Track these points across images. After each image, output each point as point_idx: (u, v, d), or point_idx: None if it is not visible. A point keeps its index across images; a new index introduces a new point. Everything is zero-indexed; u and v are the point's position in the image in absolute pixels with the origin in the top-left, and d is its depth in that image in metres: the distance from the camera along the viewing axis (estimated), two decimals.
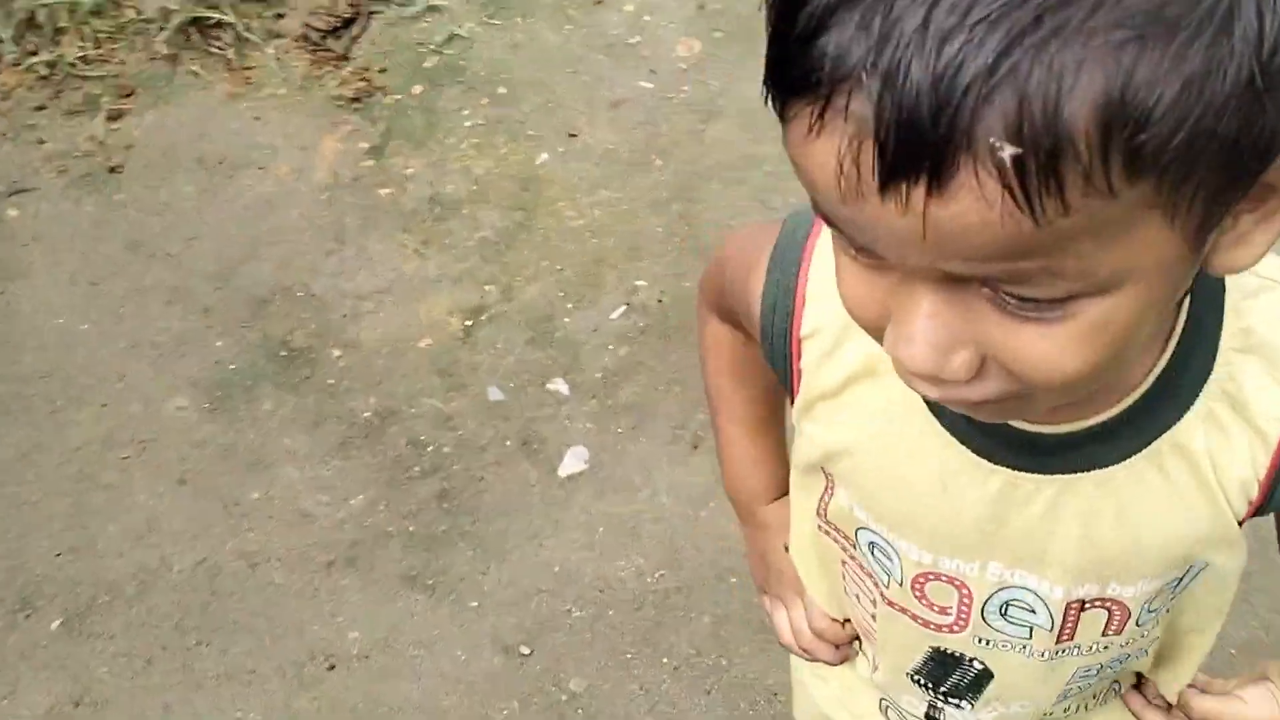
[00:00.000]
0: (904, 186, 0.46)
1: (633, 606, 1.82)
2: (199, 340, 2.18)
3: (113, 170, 2.44)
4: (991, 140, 0.44)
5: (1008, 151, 0.44)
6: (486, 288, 2.22)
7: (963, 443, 0.72)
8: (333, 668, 1.78)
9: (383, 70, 2.57)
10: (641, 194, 2.31)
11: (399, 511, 1.95)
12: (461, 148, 2.43)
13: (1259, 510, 0.73)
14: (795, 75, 0.48)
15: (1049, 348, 0.53)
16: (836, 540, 0.86)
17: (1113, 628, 0.79)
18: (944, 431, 0.72)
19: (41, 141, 2.49)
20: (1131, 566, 0.74)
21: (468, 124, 2.46)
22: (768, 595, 1.05)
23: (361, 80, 2.56)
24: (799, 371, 0.78)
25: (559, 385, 2.09)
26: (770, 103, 0.51)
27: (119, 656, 1.80)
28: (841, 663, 1.02)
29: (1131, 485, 0.70)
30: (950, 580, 0.79)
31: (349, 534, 1.93)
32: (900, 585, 0.81)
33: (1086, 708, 0.93)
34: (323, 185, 2.39)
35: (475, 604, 1.85)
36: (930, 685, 0.90)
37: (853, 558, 0.86)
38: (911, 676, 0.90)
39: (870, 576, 0.85)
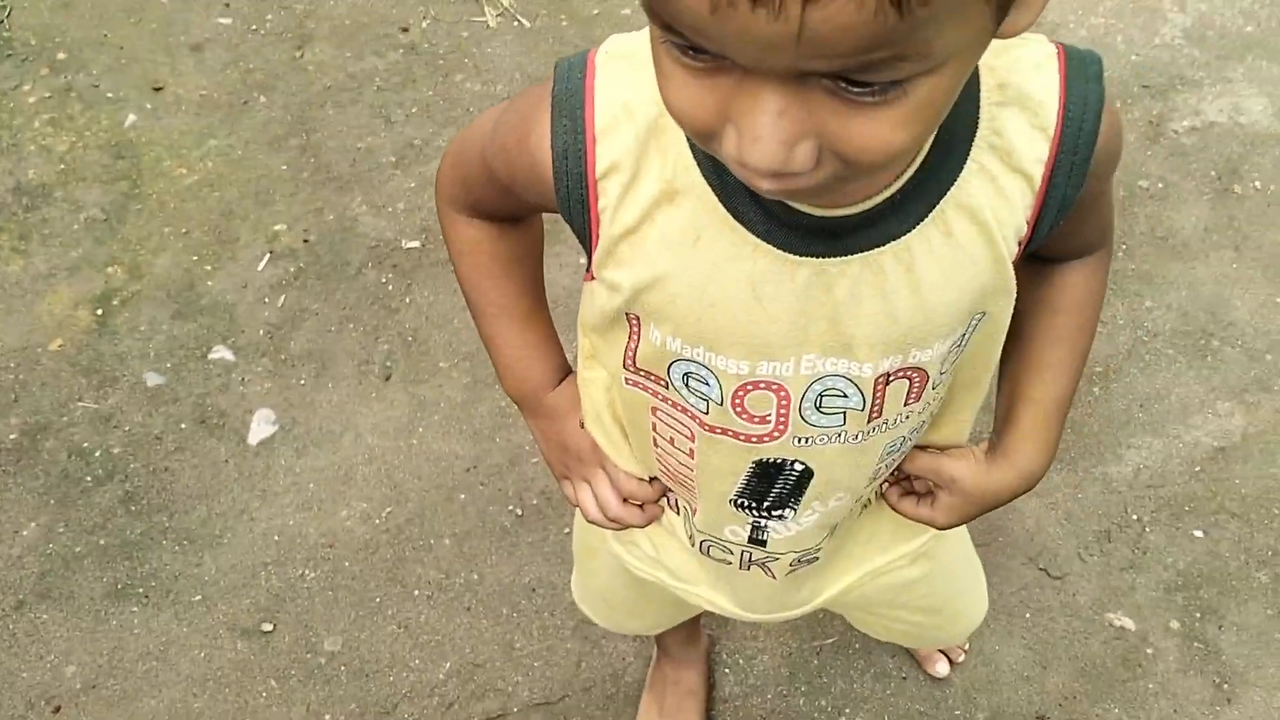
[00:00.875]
0: None
1: (368, 551, 1.75)
2: None
3: None
4: None
5: None
6: (109, 269, 2.02)
7: (768, 242, 0.73)
8: (58, 709, 1.61)
9: None
10: (254, 135, 2.17)
11: (82, 528, 1.76)
12: (34, 127, 2.17)
13: (1025, 248, 0.79)
14: None
15: (881, 129, 0.56)
16: (646, 387, 0.86)
17: (913, 396, 0.84)
18: (751, 237, 0.73)
19: None
20: (929, 330, 0.78)
21: (32, 100, 2.21)
22: (569, 479, 1.04)
23: None
24: (597, 216, 0.76)
25: (222, 352, 1.95)
26: None
27: None
28: (650, 524, 1.03)
29: (923, 251, 0.74)
30: (768, 385, 0.80)
31: (32, 567, 1.73)
32: (720, 405, 0.82)
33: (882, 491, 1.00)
34: None
35: (199, 598, 1.71)
36: (754, 504, 0.92)
37: (665, 399, 0.86)
38: (734, 502, 0.92)
39: (685, 411, 0.85)
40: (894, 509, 1.01)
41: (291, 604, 1.71)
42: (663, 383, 0.84)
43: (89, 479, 1.81)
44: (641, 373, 0.85)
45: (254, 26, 2.31)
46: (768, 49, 0.51)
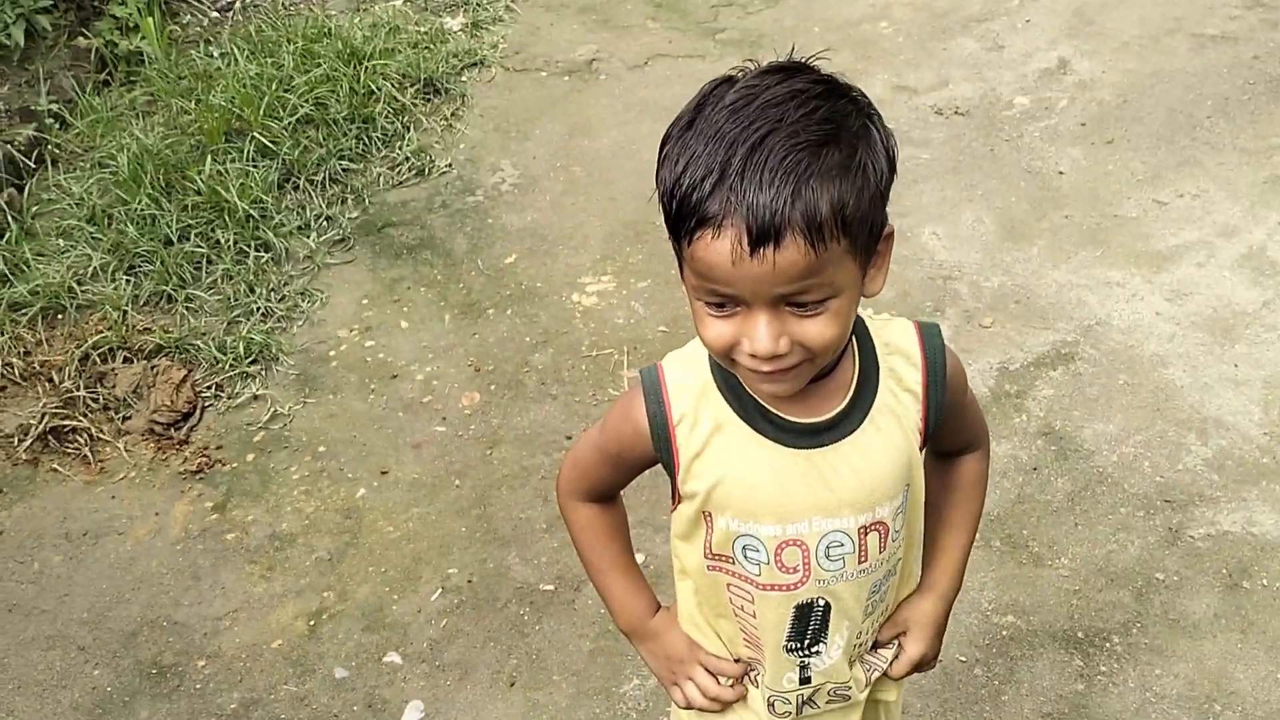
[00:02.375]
0: (762, 250, 1.08)
1: None
2: (79, 673, 2.54)
3: None
4: (797, 225, 1.08)
5: (804, 228, 1.09)
6: (324, 594, 2.69)
7: (777, 443, 1.29)
8: None
9: (219, 447, 3.11)
10: (447, 506, 2.87)
11: None
12: (293, 495, 2.96)
13: (925, 440, 1.36)
14: (699, 219, 1.10)
15: (818, 327, 1.15)
16: (721, 568, 1.39)
17: (882, 545, 1.36)
18: (769, 442, 1.30)
19: None
20: (882, 492, 1.33)
21: (295, 477, 3.01)
22: (676, 684, 1.52)
23: (202, 457, 3.09)
24: (678, 450, 1.34)
25: (393, 657, 2.54)
26: (680, 235, 1.14)
27: None
28: (739, 698, 1.51)
29: (867, 441, 1.31)
30: (795, 542, 1.33)
31: None
32: (767, 563, 1.35)
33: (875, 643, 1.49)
34: (177, 539, 2.85)
35: None
36: (799, 645, 1.41)
37: (733, 574, 1.38)
38: (786, 647, 1.41)
39: (746, 580, 1.37)
40: (893, 676, 1.51)
41: None
42: (730, 560, 1.37)
43: None
44: (717, 557, 1.38)
45: (460, 433, 3.09)
46: (758, 283, 1.11)
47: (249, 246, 3.67)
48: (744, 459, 1.31)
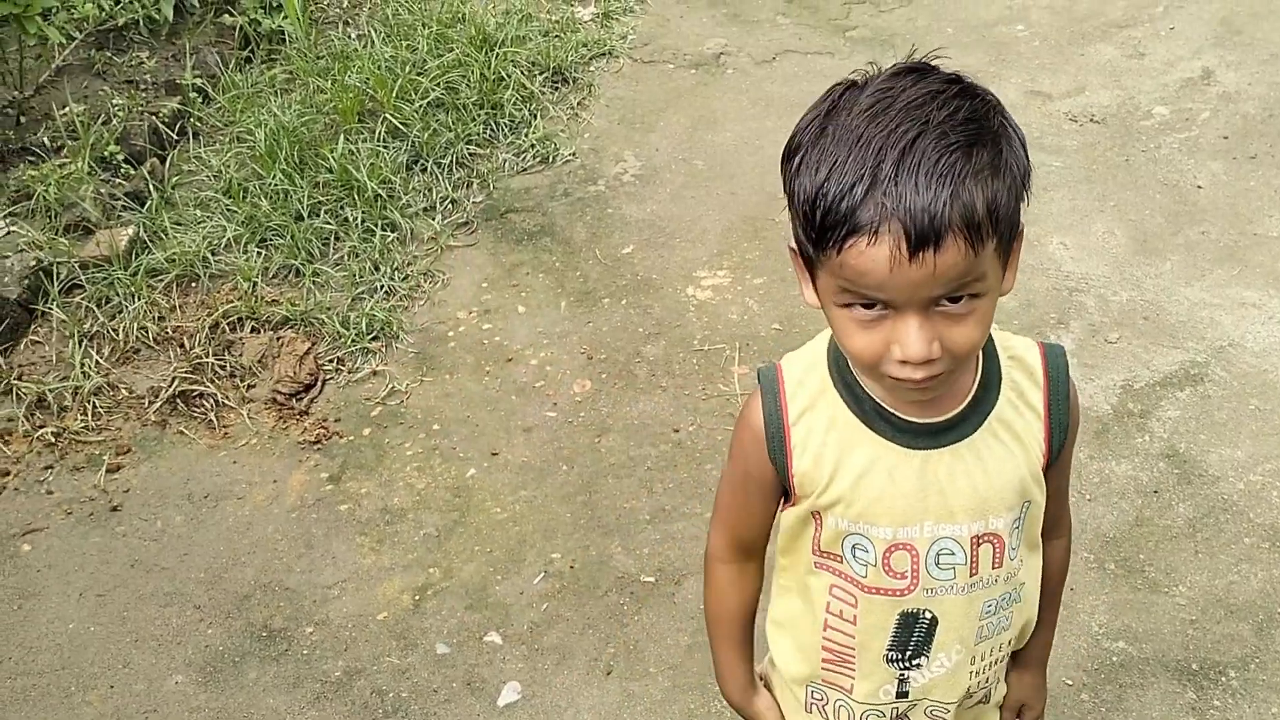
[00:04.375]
0: (922, 254, 1.07)
1: None
2: (193, 630, 2.64)
3: (114, 509, 2.95)
4: (957, 225, 1.07)
5: (963, 229, 1.08)
6: (430, 570, 2.74)
7: (893, 443, 1.28)
8: None
9: (338, 420, 3.19)
10: (554, 491, 2.90)
11: None
12: (405, 471, 3.02)
13: (1049, 461, 1.33)
14: (850, 228, 1.08)
15: (968, 330, 1.14)
16: (828, 566, 1.38)
17: (996, 561, 1.34)
18: (884, 440, 1.28)
19: (50, 492, 3.01)
20: (998, 502, 1.30)
21: (409, 453, 3.07)
22: None
23: (321, 429, 3.17)
24: (791, 449, 1.32)
25: (494, 637, 2.57)
26: (828, 245, 1.11)
27: None
28: None
29: (985, 447, 1.29)
30: (905, 546, 1.32)
31: None
32: (875, 566, 1.33)
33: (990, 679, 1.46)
34: (292, 507, 2.94)
35: None
36: (899, 655, 1.39)
37: (840, 574, 1.37)
38: (886, 657, 1.39)
39: (852, 581, 1.36)
40: None
41: None
42: (838, 558, 1.36)
43: (380, 712, 2.43)
44: (824, 554, 1.37)
45: (570, 420, 3.12)
46: (917, 287, 1.09)
47: (376, 225, 3.75)
48: (859, 456, 1.29)
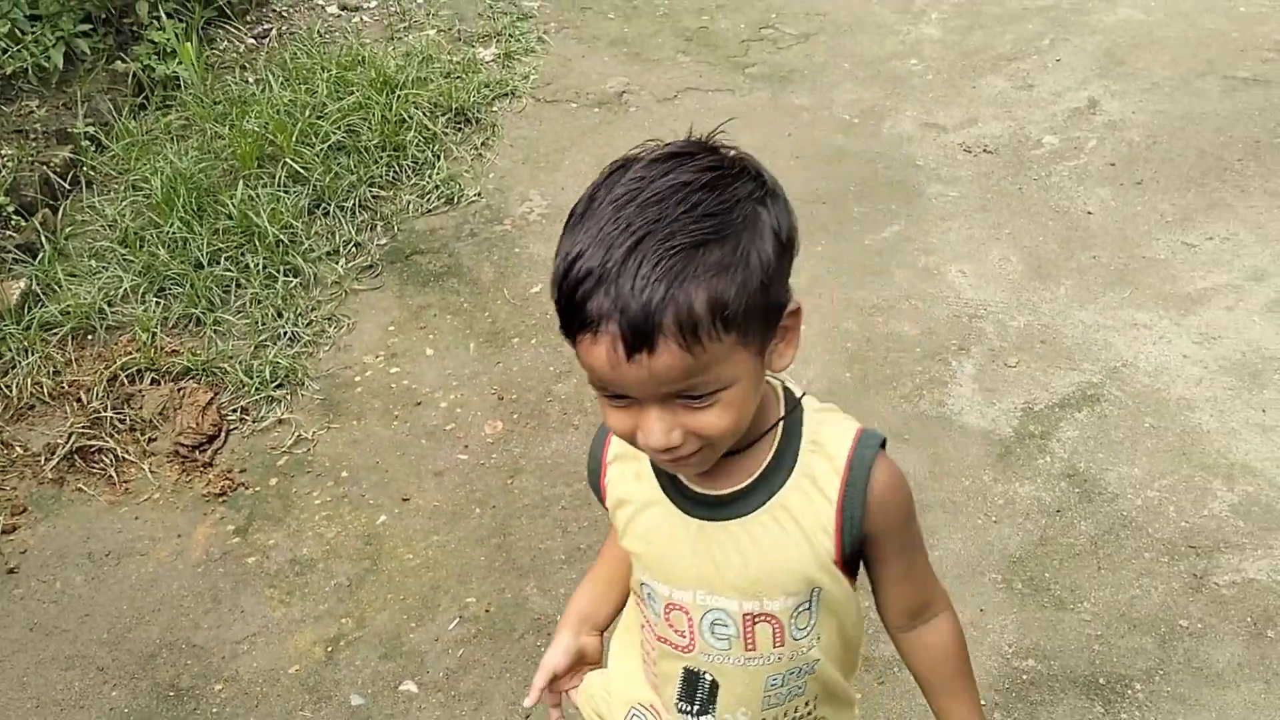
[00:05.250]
0: (637, 356, 1.06)
1: None
2: (96, 693, 2.55)
3: (11, 571, 2.86)
4: (670, 329, 1.05)
5: (677, 333, 1.06)
6: (343, 620, 2.69)
7: (677, 506, 1.30)
8: None
9: (243, 470, 3.13)
10: (467, 535, 2.88)
11: None
12: (314, 520, 2.96)
13: (844, 554, 1.29)
14: (580, 322, 1.08)
15: (713, 419, 1.14)
16: (639, 600, 1.39)
17: (778, 640, 1.33)
18: (670, 503, 1.30)
19: None
20: (772, 584, 1.29)
21: (317, 502, 3.02)
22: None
23: (225, 480, 3.10)
24: (605, 486, 1.38)
25: (409, 685, 2.53)
26: (567, 334, 1.11)
27: None
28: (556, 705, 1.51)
29: (761, 528, 1.28)
30: (680, 607, 1.33)
31: None
32: (659, 618, 1.35)
33: None
34: (198, 561, 2.87)
35: None
36: (688, 706, 1.39)
37: (643, 612, 1.38)
38: (677, 706, 1.40)
39: (649, 624, 1.38)
40: None
41: None
42: (640, 599, 1.38)
43: None
44: (638, 587, 1.39)
45: (482, 462, 3.09)
46: (642, 385, 1.10)
47: (278, 271, 3.70)
48: (651, 514, 1.32)
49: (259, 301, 3.62)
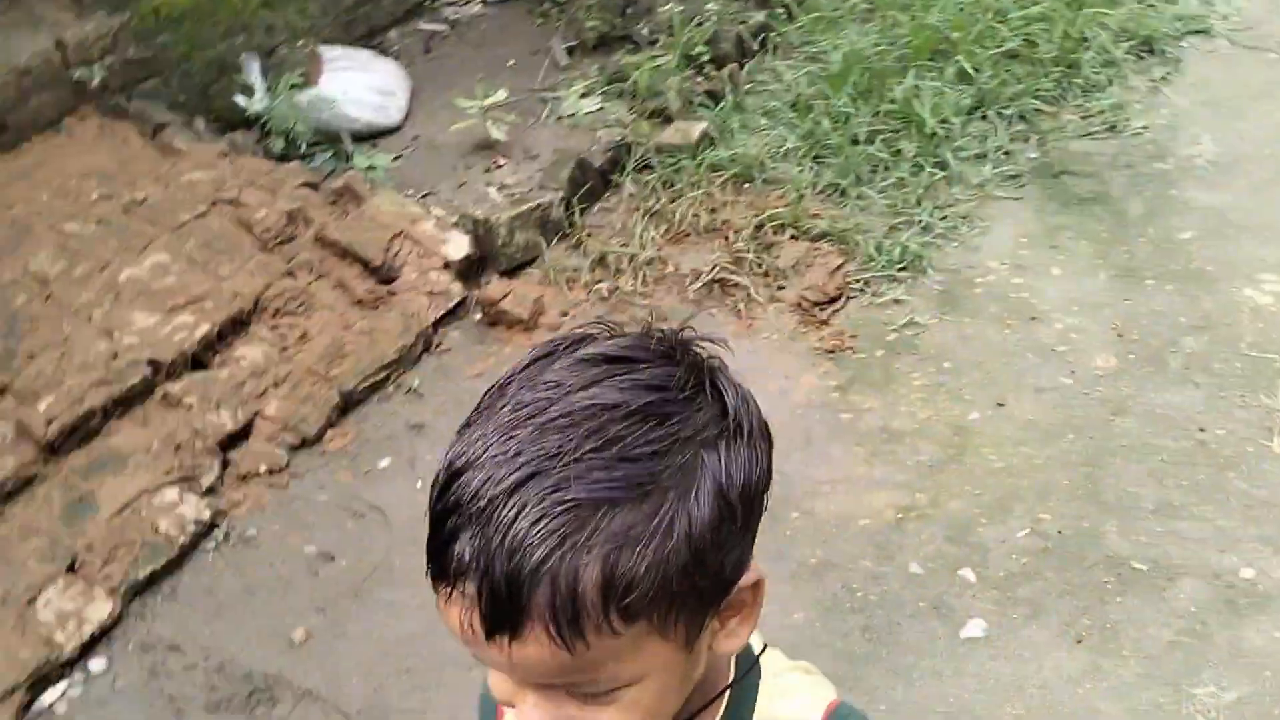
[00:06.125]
0: (497, 638, 0.79)
1: None
2: None
3: None
4: (541, 613, 0.77)
5: (549, 621, 0.77)
6: (918, 495, 2.82)
7: None
8: None
9: (854, 336, 3.33)
10: (1055, 455, 2.88)
11: (831, 631, 2.50)
12: (910, 398, 3.10)
13: None
14: (437, 566, 0.81)
15: (609, 717, 0.84)
16: None
17: None
18: None
19: None
20: None
21: (916, 383, 3.15)
22: None
23: (837, 340, 3.32)
24: None
25: (968, 573, 2.62)
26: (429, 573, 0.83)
27: None
28: None
29: None
30: None
31: (787, 635, 2.49)
32: None
33: None
34: (799, 404, 3.12)
35: (883, 708, 2.34)
36: None
37: None
38: None
39: None
40: None
41: None
42: None
43: (848, 606, 2.56)
44: None
45: (1086, 391, 3.05)
46: (505, 669, 0.82)
47: (926, 162, 3.82)
48: None
49: (902, 186, 3.77)
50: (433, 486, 0.83)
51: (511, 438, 0.80)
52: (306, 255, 3.41)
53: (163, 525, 2.79)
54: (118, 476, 2.86)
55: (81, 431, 2.92)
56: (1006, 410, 3.03)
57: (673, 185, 3.85)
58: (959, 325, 3.31)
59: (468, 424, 0.85)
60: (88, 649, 2.61)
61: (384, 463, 2.99)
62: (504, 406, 0.83)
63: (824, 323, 3.40)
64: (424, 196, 3.80)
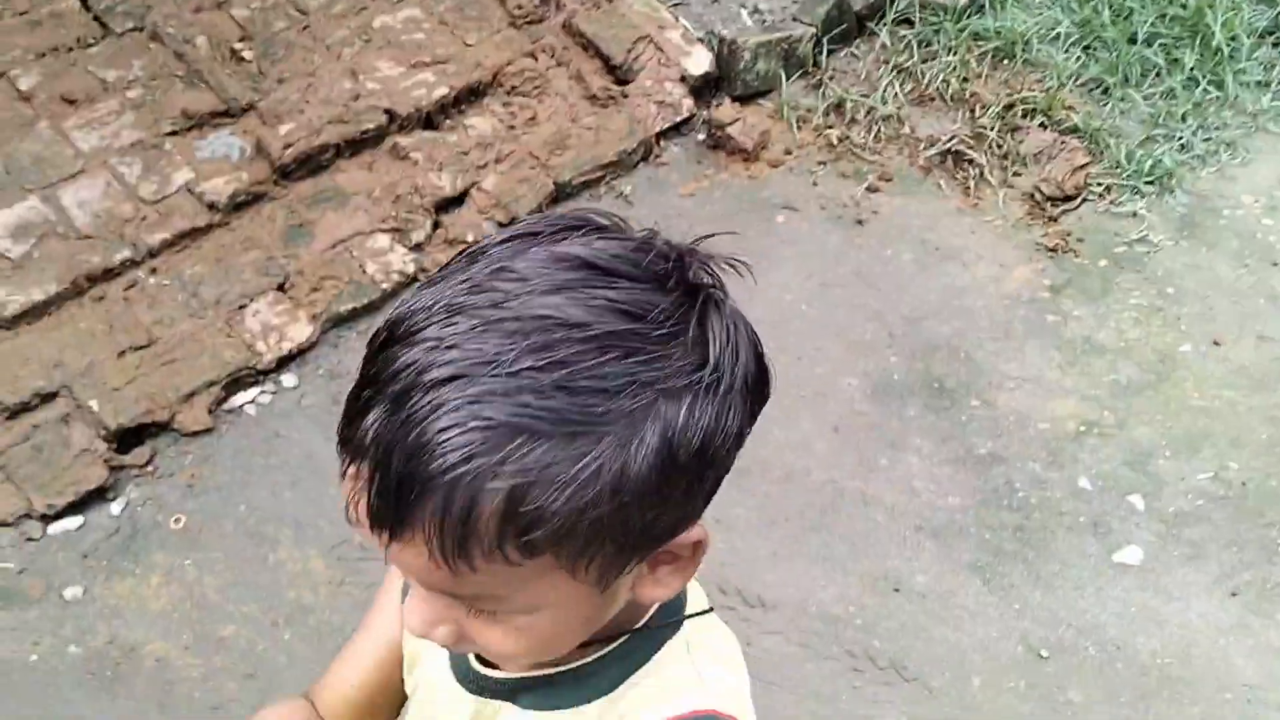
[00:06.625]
0: (379, 532, 0.73)
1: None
2: (882, 348, 2.86)
3: (859, 222, 3.22)
4: (425, 525, 0.70)
5: (433, 534, 0.71)
6: (1105, 412, 2.74)
7: (456, 677, 0.95)
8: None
9: (1080, 240, 3.19)
10: (1259, 407, 2.75)
11: (982, 522, 2.49)
12: (1122, 315, 2.98)
13: None
14: (346, 429, 0.74)
15: (494, 636, 0.79)
16: None
17: None
18: (449, 672, 0.96)
19: (815, 184, 3.33)
20: None
21: (1133, 301, 3.02)
22: None
23: (1062, 240, 3.19)
24: None
25: (1136, 500, 2.55)
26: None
27: None
28: None
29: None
30: None
31: (939, 516, 2.49)
32: None
33: None
34: (1007, 295, 3.03)
35: (1017, 607, 2.33)
36: None
37: None
38: None
39: None
40: None
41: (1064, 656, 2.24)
42: None
43: (1005, 503, 2.53)
44: None
45: None
46: (393, 560, 0.75)
47: (1202, 77, 3.56)
48: (428, 676, 1.00)
49: (1170, 97, 3.54)
50: (374, 336, 0.76)
51: (453, 323, 0.72)
52: (551, 40, 3.42)
53: (370, 268, 2.93)
54: (337, 213, 2.99)
55: (313, 163, 3.05)
56: (1221, 350, 2.89)
57: (929, 45, 3.70)
58: (1193, 253, 3.14)
59: (429, 281, 0.77)
60: (283, 364, 2.79)
61: None
62: (464, 280, 0.75)
63: (1053, 219, 3.27)
64: (675, 5, 3.75)
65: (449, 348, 0.71)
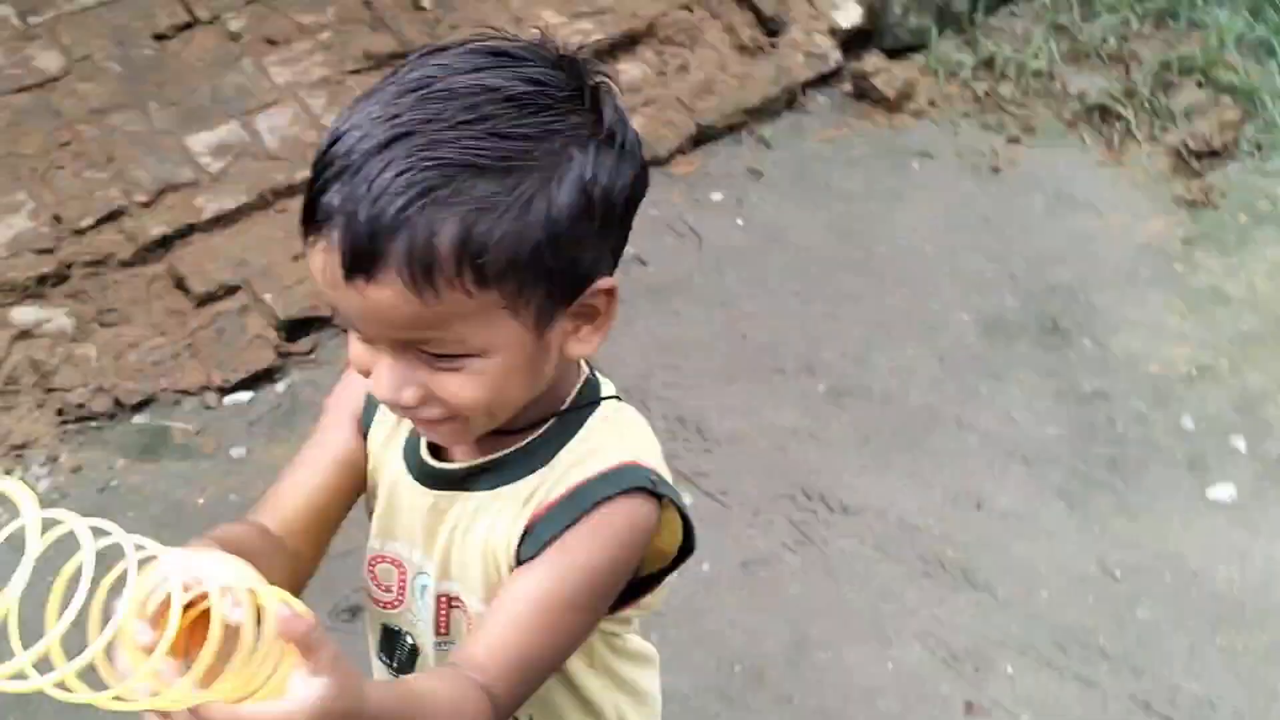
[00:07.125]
0: (355, 279, 0.86)
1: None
2: (1003, 288, 2.92)
3: (995, 170, 3.27)
4: (397, 258, 0.85)
5: (404, 265, 0.85)
6: (1221, 359, 2.73)
7: (413, 475, 1.08)
8: None
9: (1223, 196, 3.16)
10: None
11: (1076, 453, 2.54)
12: (1255, 268, 2.96)
13: (516, 557, 1.02)
14: (309, 216, 0.89)
15: (456, 386, 0.92)
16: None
17: (472, 629, 1.06)
18: (406, 468, 1.09)
19: (956, 134, 3.40)
20: (466, 574, 1.06)
21: (1270, 255, 2.99)
22: None
23: (1204, 195, 3.16)
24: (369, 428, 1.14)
25: (1239, 442, 2.56)
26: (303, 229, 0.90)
27: None
28: None
29: (487, 514, 1.03)
30: (393, 560, 1.12)
31: (1032, 445, 2.55)
32: (366, 568, 1.15)
33: None
34: (1137, 245, 3.04)
35: (1097, 529, 2.39)
36: (388, 661, 1.18)
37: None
38: (379, 656, 1.19)
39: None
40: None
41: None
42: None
43: (1102, 438, 2.57)
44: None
45: None
46: (362, 320, 0.90)
47: None
48: (390, 470, 1.11)
49: None
50: (316, 153, 0.90)
51: (392, 105, 0.88)
52: None
53: None
54: None
55: None
56: None
57: (1090, 4, 3.70)
58: None
59: (357, 99, 0.92)
60: None
61: (716, 196, 3.21)
62: (391, 85, 0.91)
63: (1197, 174, 3.24)
64: None
65: (392, 119, 0.87)
